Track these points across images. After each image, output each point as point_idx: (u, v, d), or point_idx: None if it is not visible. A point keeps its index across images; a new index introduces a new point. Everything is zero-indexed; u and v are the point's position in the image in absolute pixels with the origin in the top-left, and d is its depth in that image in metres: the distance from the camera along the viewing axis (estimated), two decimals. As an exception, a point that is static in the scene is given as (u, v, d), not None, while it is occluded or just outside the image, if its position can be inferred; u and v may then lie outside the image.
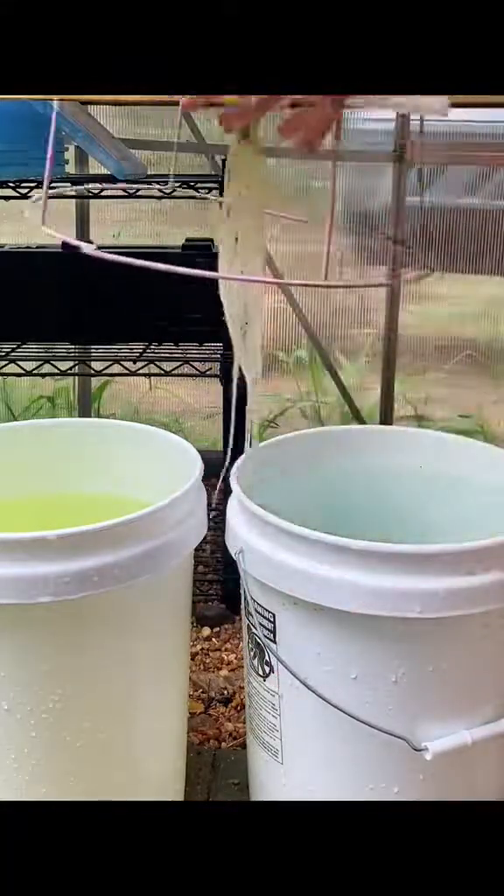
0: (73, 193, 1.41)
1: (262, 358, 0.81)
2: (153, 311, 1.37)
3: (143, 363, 1.41)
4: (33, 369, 1.43)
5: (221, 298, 0.74)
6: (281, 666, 0.81)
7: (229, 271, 0.72)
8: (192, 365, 1.40)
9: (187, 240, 1.51)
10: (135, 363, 1.41)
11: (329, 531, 0.76)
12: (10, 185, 1.35)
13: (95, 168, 1.72)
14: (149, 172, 1.49)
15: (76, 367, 1.49)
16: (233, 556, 0.84)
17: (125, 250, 1.43)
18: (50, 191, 1.29)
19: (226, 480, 0.88)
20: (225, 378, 1.36)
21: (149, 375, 1.42)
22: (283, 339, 2.26)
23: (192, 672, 1.33)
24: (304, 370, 2.29)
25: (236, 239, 0.71)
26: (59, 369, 1.44)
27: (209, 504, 0.91)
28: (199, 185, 1.35)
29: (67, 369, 1.47)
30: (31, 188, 1.35)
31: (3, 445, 1.03)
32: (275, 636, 0.82)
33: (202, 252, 1.40)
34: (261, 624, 0.82)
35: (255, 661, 0.86)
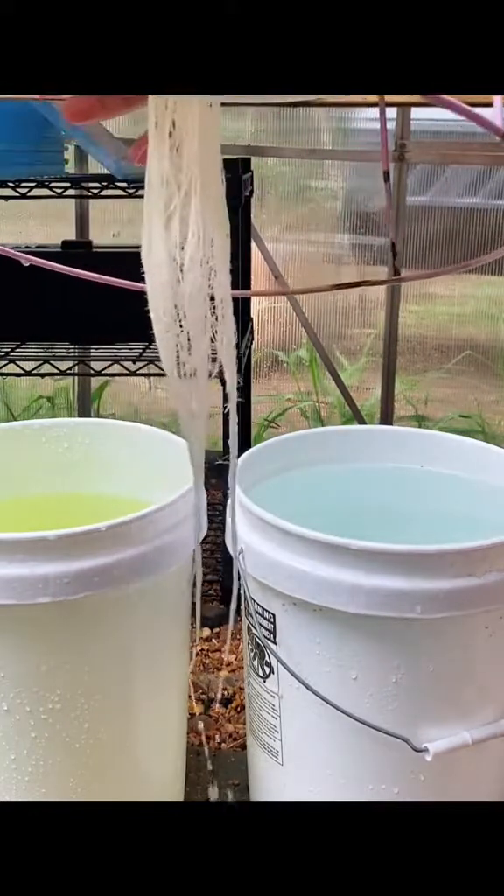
0: (74, 193, 1.41)
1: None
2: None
3: (143, 363, 1.41)
4: (33, 369, 1.43)
5: (150, 302, 0.43)
6: (281, 667, 0.81)
7: (167, 260, 0.41)
8: (191, 365, 1.40)
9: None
10: (135, 363, 1.41)
11: (329, 531, 0.76)
12: (10, 184, 1.35)
13: (95, 168, 1.72)
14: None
15: (76, 367, 1.49)
16: (233, 556, 0.84)
17: (118, 250, 1.43)
18: (48, 189, 1.29)
19: (226, 480, 0.88)
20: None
21: (149, 375, 1.42)
22: (283, 339, 2.26)
23: (192, 673, 1.33)
24: (304, 370, 2.29)
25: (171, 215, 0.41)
26: (58, 369, 1.44)
27: (209, 504, 0.91)
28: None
29: (67, 369, 1.47)
30: (31, 188, 1.35)
31: (3, 445, 1.03)
32: (275, 637, 0.82)
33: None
34: (260, 624, 0.82)
35: (255, 662, 0.86)
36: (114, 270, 0.69)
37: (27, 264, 0.62)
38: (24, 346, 1.49)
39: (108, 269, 0.69)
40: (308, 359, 2.26)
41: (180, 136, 0.41)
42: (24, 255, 0.63)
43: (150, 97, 0.42)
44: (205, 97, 0.41)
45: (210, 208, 0.42)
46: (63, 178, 1.41)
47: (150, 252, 0.42)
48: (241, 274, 1.38)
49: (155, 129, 0.41)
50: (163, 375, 0.44)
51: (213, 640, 1.44)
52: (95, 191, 1.38)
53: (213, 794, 0.98)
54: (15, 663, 0.77)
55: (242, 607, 0.88)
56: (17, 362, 1.44)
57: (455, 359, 2.24)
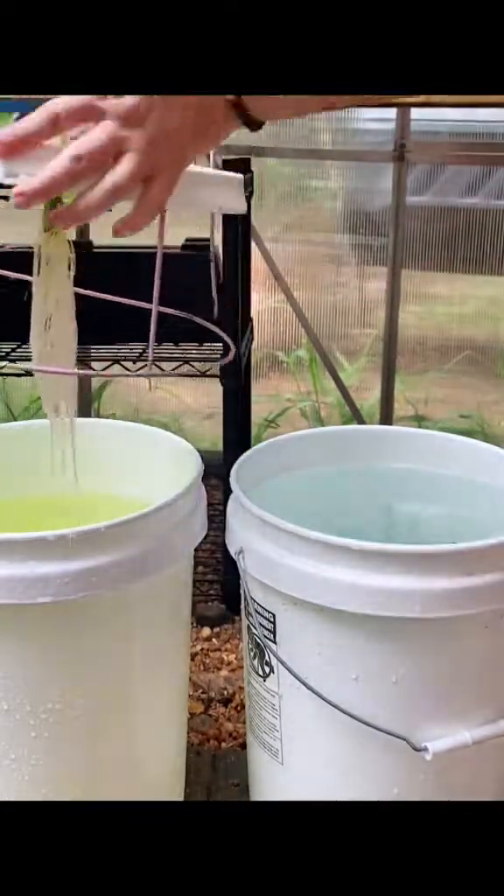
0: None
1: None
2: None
3: (143, 363, 1.41)
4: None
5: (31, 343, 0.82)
6: (281, 666, 0.81)
7: (40, 351, 0.81)
8: (191, 365, 1.40)
9: (187, 240, 1.51)
10: (135, 363, 1.41)
11: (329, 532, 0.76)
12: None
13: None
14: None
15: (76, 367, 1.49)
16: (233, 556, 0.84)
17: (118, 250, 1.43)
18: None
19: (226, 480, 0.88)
20: (224, 377, 1.36)
21: (149, 376, 1.42)
22: (283, 339, 2.26)
23: (192, 672, 1.33)
24: (304, 370, 2.29)
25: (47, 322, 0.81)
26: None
27: (209, 504, 0.91)
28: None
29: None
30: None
31: (3, 445, 1.03)
32: (275, 636, 0.82)
33: (201, 252, 1.39)
34: (261, 624, 0.82)
35: (255, 662, 0.86)
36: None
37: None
38: (24, 346, 1.49)
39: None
40: (308, 359, 2.25)
41: (49, 291, 0.81)
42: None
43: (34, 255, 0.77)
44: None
45: (65, 319, 0.82)
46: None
47: (34, 334, 0.81)
48: (241, 274, 1.38)
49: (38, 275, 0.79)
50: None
51: (213, 640, 1.44)
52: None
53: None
54: (15, 663, 0.77)
55: (242, 607, 0.88)
56: (17, 362, 1.44)
57: (455, 359, 2.24)
